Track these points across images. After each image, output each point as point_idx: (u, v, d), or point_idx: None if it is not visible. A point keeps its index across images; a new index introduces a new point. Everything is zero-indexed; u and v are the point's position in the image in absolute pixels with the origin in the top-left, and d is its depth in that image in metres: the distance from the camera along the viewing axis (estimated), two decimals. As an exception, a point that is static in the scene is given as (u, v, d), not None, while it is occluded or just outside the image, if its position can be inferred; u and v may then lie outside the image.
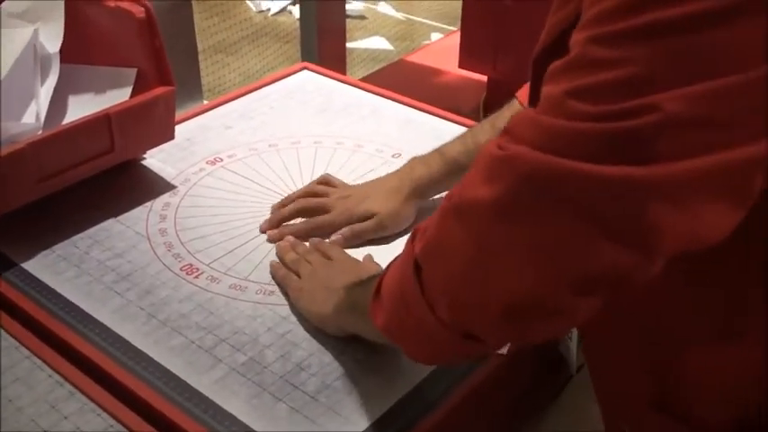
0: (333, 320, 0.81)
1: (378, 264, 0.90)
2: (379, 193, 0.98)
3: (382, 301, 0.67)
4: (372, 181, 1.03)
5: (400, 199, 0.98)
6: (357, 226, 0.96)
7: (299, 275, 0.88)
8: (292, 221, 0.99)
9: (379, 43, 3.74)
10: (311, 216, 0.98)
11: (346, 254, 0.92)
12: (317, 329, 0.83)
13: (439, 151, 1.01)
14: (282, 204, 1.01)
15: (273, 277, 0.91)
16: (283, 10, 3.99)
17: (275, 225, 0.98)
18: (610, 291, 0.55)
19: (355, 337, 0.81)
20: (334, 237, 0.95)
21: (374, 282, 0.70)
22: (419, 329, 0.63)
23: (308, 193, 1.01)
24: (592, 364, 0.77)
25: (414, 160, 1.02)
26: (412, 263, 0.62)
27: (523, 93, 1.01)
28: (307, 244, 0.94)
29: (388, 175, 1.02)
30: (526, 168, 0.53)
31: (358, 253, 0.94)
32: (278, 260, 0.93)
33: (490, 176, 0.55)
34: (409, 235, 0.66)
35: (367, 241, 0.96)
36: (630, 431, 0.73)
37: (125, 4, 1.00)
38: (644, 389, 0.69)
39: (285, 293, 0.88)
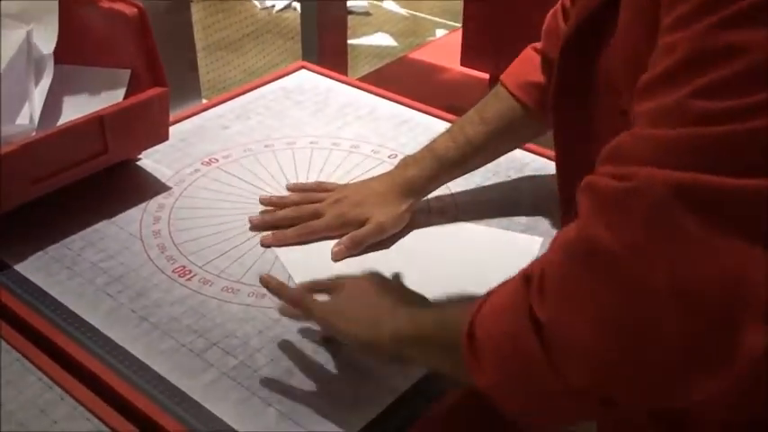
0: (387, 346, 0.71)
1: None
2: (372, 196, 0.97)
3: (483, 354, 0.58)
4: (365, 182, 1.02)
5: (395, 200, 0.97)
6: (357, 233, 0.94)
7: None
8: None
9: (383, 40, 3.73)
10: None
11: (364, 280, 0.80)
12: (306, 333, 0.83)
13: (429, 149, 1.00)
14: (274, 204, 1.00)
15: (287, 300, 0.80)
16: (288, 6, 3.98)
17: (267, 228, 0.97)
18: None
19: (346, 343, 0.78)
20: (335, 248, 0.94)
21: (441, 311, 0.67)
22: (542, 396, 0.55)
23: (303, 199, 1.00)
24: None
25: (405, 160, 1.01)
26: (528, 318, 0.54)
27: (508, 77, 0.99)
28: None
29: (381, 176, 1.01)
30: (664, 192, 0.46)
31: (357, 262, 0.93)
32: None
33: (616, 213, 0.49)
34: (518, 277, 0.58)
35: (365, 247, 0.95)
36: (621, 423, 0.71)
37: (118, 6, 1.00)
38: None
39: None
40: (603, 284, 0.50)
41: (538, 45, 0.99)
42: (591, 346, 0.51)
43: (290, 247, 0.95)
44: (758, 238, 0.46)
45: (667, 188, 0.46)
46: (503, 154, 1.05)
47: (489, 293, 0.61)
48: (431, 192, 1.01)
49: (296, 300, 0.78)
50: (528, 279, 0.56)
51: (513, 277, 0.59)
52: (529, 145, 1.16)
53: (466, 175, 1.05)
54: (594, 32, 0.65)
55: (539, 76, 0.96)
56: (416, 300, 0.77)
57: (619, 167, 0.50)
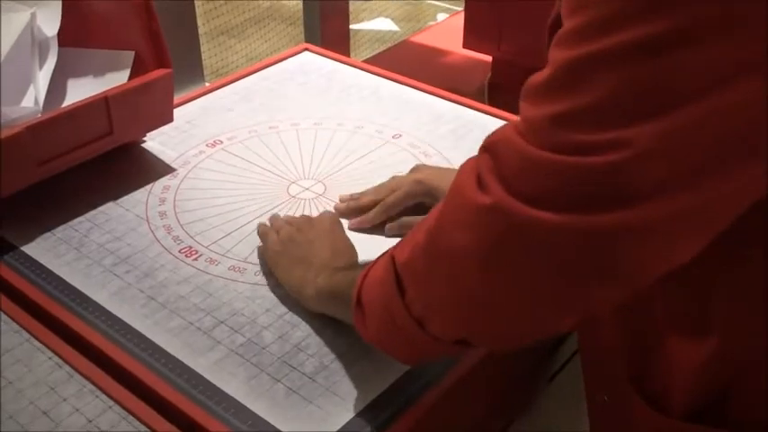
0: (312, 301, 0.81)
1: (345, 236, 0.89)
2: (448, 170, 0.97)
3: (365, 312, 0.69)
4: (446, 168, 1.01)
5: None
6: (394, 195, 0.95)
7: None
8: None
9: (384, 24, 3.72)
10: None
11: (325, 223, 0.89)
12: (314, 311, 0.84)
13: None
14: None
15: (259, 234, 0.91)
16: (289, -9, 3.97)
17: (352, 214, 0.97)
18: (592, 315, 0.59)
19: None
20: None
21: (354, 273, 0.72)
22: (408, 342, 0.66)
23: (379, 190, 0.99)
24: (581, 333, 0.78)
25: None
26: (394, 281, 0.64)
27: None
28: None
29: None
30: (506, 222, 0.53)
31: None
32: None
33: (471, 223, 0.56)
34: (390, 252, 0.67)
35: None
36: (609, 401, 0.74)
37: (122, -13, 1.00)
38: (624, 364, 0.70)
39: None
40: (451, 279, 0.59)
41: None
42: (441, 310, 0.61)
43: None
44: (572, 269, 0.53)
45: (510, 220, 0.53)
46: None
47: (376, 260, 0.69)
48: None
49: (261, 233, 0.91)
50: (392, 253, 0.66)
51: (388, 251, 0.68)
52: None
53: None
54: None
55: None
56: (343, 259, 0.83)
57: (486, 170, 0.55)
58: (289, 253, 0.86)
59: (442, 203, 0.61)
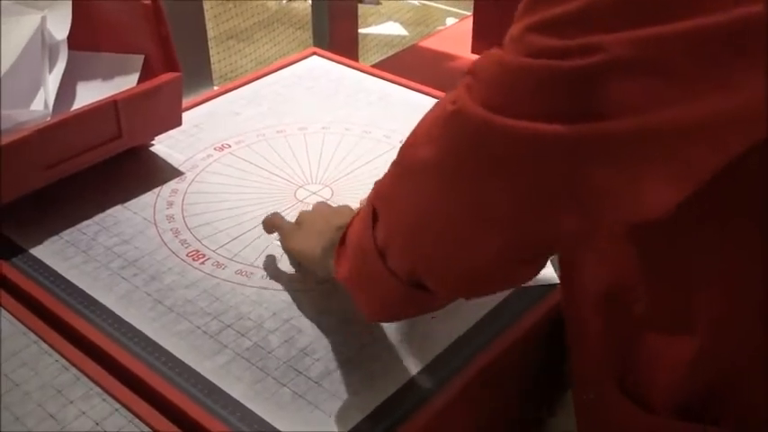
0: (319, 262, 0.81)
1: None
2: None
3: (346, 250, 0.68)
4: None
5: None
6: None
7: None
8: None
9: (393, 29, 3.72)
10: None
11: (324, 206, 0.89)
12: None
13: None
14: None
15: (265, 223, 0.91)
16: (298, -5, 3.98)
17: None
18: (550, 256, 0.58)
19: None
20: None
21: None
22: (371, 279, 0.65)
23: None
24: (569, 331, 0.77)
25: None
26: (371, 211, 0.63)
27: None
28: None
29: None
30: (467, 130, 0.52)
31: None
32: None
33: (435, 134, 0.55)
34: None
35: None
36: (594, 399, 0.74)
37: (132, -9, 1.00)
38: (610, 362, 0.70)
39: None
40: (414, 193, 0.58)
41: None
42: (401, 238, 0.60)
43: None
44: (532, 182, 0.51)
45: (471, 127, 0.51)
46: None
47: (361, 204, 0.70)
48: None
49: (269, 224, 0.91)
50: (371, 201, 0.65)
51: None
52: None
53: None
54: None
55: None
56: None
57: (465, 86, 0.53)
58: (308, 223, 0.85)
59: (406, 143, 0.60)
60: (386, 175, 0.63)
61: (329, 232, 0.79)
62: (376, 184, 0.66)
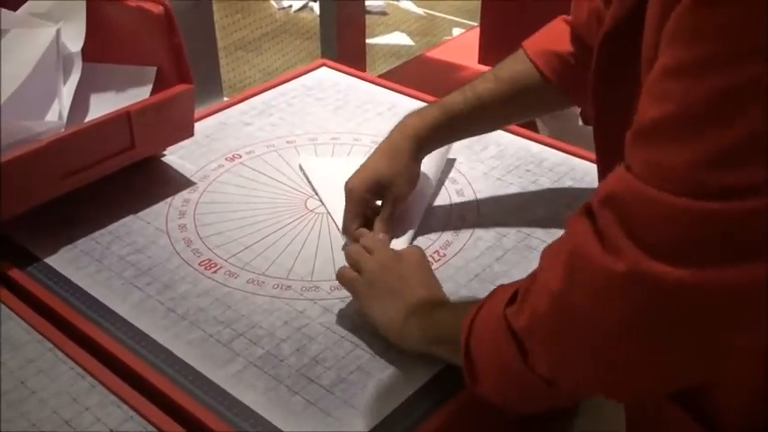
0: (410, 341, 0.78)
1: (432, 272, 0.86)
2: (377, 156, 0.95)
3: (476, 369, 0.68)
4: (370, 156, 0.98)
5: (401, 154, 0.94)
6: (382, 217, 0.94)
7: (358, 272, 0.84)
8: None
9: (400, 39, 3.74)
10: None
11: (414, 256, 0.86)
12: (332, 323, 0.85)
13: (435, 102, 0.98)
14: None
15: (339, 280, 0.86)
16: (305, 6, 4.00)
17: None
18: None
19: (370, 330, 0.82)
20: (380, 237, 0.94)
21: (453, 317, 0.72)
22: (532, 397, 0.66)
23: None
24: None
25: (411, 112, 0.98)
26: (513, 344, 0.62)
27: (531, 43, 0.97)
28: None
29: (386, 137, 0.98)
30: (648, 290, 0.50)
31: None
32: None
33: (605, 293, 0.53)
34: (501, 305, 0.65)
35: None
36: (650, 414, 0.74)
37: (145, 4, 1.02)
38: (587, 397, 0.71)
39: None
40: (588, 350, 0.57)
41: (568, 17, 0.97)
42: (581, 373, 0.60)
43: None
44: (725, 328, 0.51)
45: (652, 292, 0.49)
46: (514, 119, 1.03)
47: (478, 308, 0.69)
48: (438, 143, 0.98)
49: (342, 279, 0.85)
50: (500, 293, 0.66)
51: (499, 297, 0.66)
52: (547, 139, 1.17)
53: (485, 170, 1.07)
54: (632, 28, 0.66)
55: (563, 47, 0.94)
56: (438, 295, 0.81)
57: (612, 228, 0.51)
58: (382, 283, 0.81)
59: (559, 264, 0.57)
60: (537, 318, 0.60)
61: (421, 311, 0.78)
62: (512, 315, 0.63)
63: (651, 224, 0.49)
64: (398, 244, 0.94)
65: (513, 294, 0.64)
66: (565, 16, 0.98)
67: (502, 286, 0.70)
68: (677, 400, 0.68)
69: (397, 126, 0.98)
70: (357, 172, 0.96)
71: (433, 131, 0.95)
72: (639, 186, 0.50)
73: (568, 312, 0.57)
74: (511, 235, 0.98)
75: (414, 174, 0.96)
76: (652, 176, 0.49)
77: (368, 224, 0.96)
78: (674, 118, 0.48)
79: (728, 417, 0.65)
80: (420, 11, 4.04)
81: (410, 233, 0.97)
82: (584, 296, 0.55)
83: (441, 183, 1.07)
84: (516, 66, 0.97)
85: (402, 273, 0.82)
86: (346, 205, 0.95)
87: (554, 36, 0.97)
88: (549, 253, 0.62)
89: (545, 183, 1.07)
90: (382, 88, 1.31)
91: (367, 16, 2.28)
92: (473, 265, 0.93)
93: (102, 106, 1.05)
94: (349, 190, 0.94)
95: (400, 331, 0.79)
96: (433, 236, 0.98)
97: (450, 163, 1.10)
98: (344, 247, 0.89)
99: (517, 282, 0.67)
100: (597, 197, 0.54)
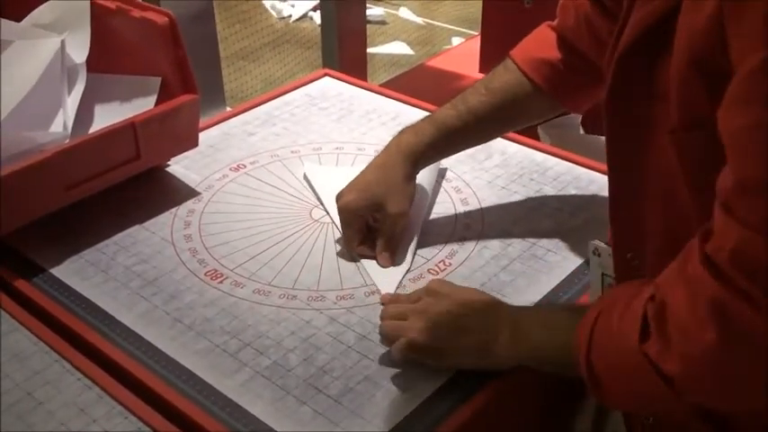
0: (509, 360, 0.78)
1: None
2: (372, 173, 0.95)
3: (606, 386, 0.69)
4: (364, 170, 0.97)
5: (396, 172, 0.94)
6: (384, 241, 0.94)
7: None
8: None
9: (399, 48, 3.75)
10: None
11: (445, 286, 0.84)
12: (339, 333, 0.85)
13: (429, 116, 0.98)
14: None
15: (384, 336, 0.83)
16: (305, 16, 4.01)
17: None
18: None
19: (377, 340, 0.83)
20: (382, 261, 0.94)
21: (552, 333, 0.74)
22: (660, 406, 0.68)
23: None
24: None
25: (404, 129, 0.98)
26: (659, 378, 0.63)
27: (519, 52, 0.98)
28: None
29: (380, 153, 0.98)
30: None
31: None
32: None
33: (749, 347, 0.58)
34: (633, 314, 0.66)
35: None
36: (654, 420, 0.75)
37: (149, 15, 1.02)
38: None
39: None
40: (748, 371, 0.60)
41: (553, 23, 0.97)
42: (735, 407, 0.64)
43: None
44: None
45: None
46: (508, 129, 1.04)
47: (597, 317, 0.69)
48: (433, 159, 0.98)
49: (389, 329, 0.82)
50: (645, 325, 0.64)
51: (617, 317, 0.67)
52: (550, 148, 1.17)
53: (489, 179, 1.07)
54: (653, 43, 0.66)
55: (551, 54, 0.95)
56: (499, 308, 0.80)
57: (754, 290, 0.56)
58: (442, 329, 0.79)
59: (702, 313, 0.59)
60: (694, 366, 0.62)
61: (502, 329, 0.77)
62: (658, 356, 0.63)
63: None
64: (400, 258, 0.95)
65: (643, 324, 0.64)
66: (550, 23, 0.98)
67: (611, 298, 0.71)
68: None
69: (392, 142, 0.97)
70: (349, 188, 0.95)
71: (429, 148, 0.96)
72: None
73: (728, 364, 0.60)
74: (516, 244, 0.98)
75: (409, 191, 0.95)
76: None
77: (369, 234, 0.96)
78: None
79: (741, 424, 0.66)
80: (419, 20, 4.05)
81: (412, 246, 0.97)
82: (741, 352, 0.59)
83: (435, 192, 1.07)
84: (506, 76, 0.97)
85: (447, 306, 0.80)
86: (342, 223, 0.95)
87: (541, 43, 0.97)
88: (674, 287, 0.63)
89: (549, 191, 1.07)
90: (385, 98, 1.31)
91: (366, 26, 2.28)
92: (479, 274, 0.93)
93: (106, 117, 1.05)
94: (342, 206, 0.94)
95: (484, 354, 0.77)
96: (438, 245, 0.98)
97: (441, 171, 1.10)
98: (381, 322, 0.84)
99: (624, 294, 0.69)
100: (722, 257, 0.58)
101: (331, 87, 1.35)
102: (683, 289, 0.61)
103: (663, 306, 0.63)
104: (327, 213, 1.03)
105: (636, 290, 0.67)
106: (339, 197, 0.95)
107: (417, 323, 0.79)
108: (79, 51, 1.05)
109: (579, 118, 1.56)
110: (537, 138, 1.51)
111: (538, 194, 1.07)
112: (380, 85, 1.53)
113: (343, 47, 2.09)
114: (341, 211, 0.94)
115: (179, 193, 1.08)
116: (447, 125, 0.95)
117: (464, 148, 1.04)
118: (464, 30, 3.84)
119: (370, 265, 0.95)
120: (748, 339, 0.58)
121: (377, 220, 0.95)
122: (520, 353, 0.77)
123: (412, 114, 1.26)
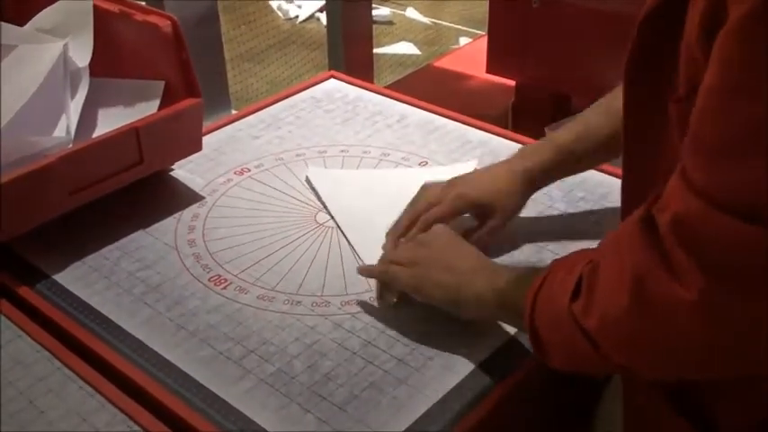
0: (472, 306, 0.80)
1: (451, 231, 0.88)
2: (488, 182, 0.94)
3: (545, 345, 0.71)
4: (482, 170, 0.98)
5: (513, 189, 0.93)
6: (484, 234, 0.93)
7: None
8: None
9: (406, 48, 3.74)
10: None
11: (443, 234, 0.87)
12: (344, 340, 0.84)
13: (549, 140, 0.96)
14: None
15: (370, 275, 0.88)
16: (311, 17, 4.00)
17: (392, 244, 0.93)
18: None
19: (382, 346, 0.82)
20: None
21: (517, 283, 0.75)
22: (604, 371, 0.75)
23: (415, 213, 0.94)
24: None
25: (524, 149, 0.97)
26: (583, 335, 0.64)
27: None
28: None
29: (498, 165, 0.96)
30: (726, 322, 0.53)
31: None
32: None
33: (680, 320, 0.56)
34: (553, 271, 0.69)
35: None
36: (645, 406, 0.74)
37: (152, 18, 1.01)
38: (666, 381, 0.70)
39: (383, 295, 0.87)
40: (661, 331, 0.59)
41: None
42: (636, 362, 0.64)
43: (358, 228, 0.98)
44: None
45: (722, 323, 0.54)
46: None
47: (542, 280, 0.71)
48: (551, 182, 0.98)
49: (381, 275, 0.87)
50: (578, 285, 0.66)
51: (559, 281, 0.68)
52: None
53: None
54: (673, 11, 0.65)
55: None
56: (485, 262, 0.83)
57: (679, 254, 0.54)
58: (428, 267, 0.83)
59: (625, 277, 0.60)
60: (611, 324, 0.62)
61: (479, 275, 0.80)
62: (580, 313, 0.65)
63: (722, 252, 0.51)
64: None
65: (576, 286, 0.66)
66: None
67: (558, 263, 0.72)
68: (679, 408, 0.68)
69: (517, 160, 0.95)
70: (472, 183, 0.94)
71: (546, 176, 0.95)
72: (708, 212, 0.51)
73: (638, 329, 0.60)
74: (524, 247, 0.97)
75: (518, 210, 0.95)
76: (720, 197, 0.50)
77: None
78: (738, 138, 0.50)
79: (728, 425, 0.65)
80: (426, 20, 4.04)
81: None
82: (653, 319, 0.58)
83: None
84: None
85: (440, 248, 0.84)
86: (448, 207, 0.92)
87: None
88: (611, 249, 0.64)
89: (557, 195, 1.06)
90: (391, 99, 1.30)
91: (373, 26, 2.27)
92: (486, 278, 0.92)
93: (110, 121, 1.05)
94: (458, 195, 0.92)
95: (456, 295, 0.81)
96: (444, 249, 0.97)
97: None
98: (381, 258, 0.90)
99: (571, 259, 0.71)
100: (662, 219, 0.56)
101: (336, 89, 1.34)
102: (616, 251, 0.62)
103: (596, 267, 0.64)
104: (332, 218, 1.02)
105: (584, 255, 0.69)
106: (455, 185, 0.94)
107: (406, 252, 0.85)
108: (82, 55, 1.05)
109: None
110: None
111: (545, 197, 1.05)
112: (387, 86, 1.52)
113: (349, 47, 2.08)
114: (454, 197, 0.92)
115: (183, 197, 1.07)
116: (568, 149, 0.94)
117: (580, 172, 1.01)
118: (471, 30, 3.82)
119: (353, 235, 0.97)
120: (660, 309, 0.57)
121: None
122: (489, 304, 0.78)
123: (418, 116, 1.25)
